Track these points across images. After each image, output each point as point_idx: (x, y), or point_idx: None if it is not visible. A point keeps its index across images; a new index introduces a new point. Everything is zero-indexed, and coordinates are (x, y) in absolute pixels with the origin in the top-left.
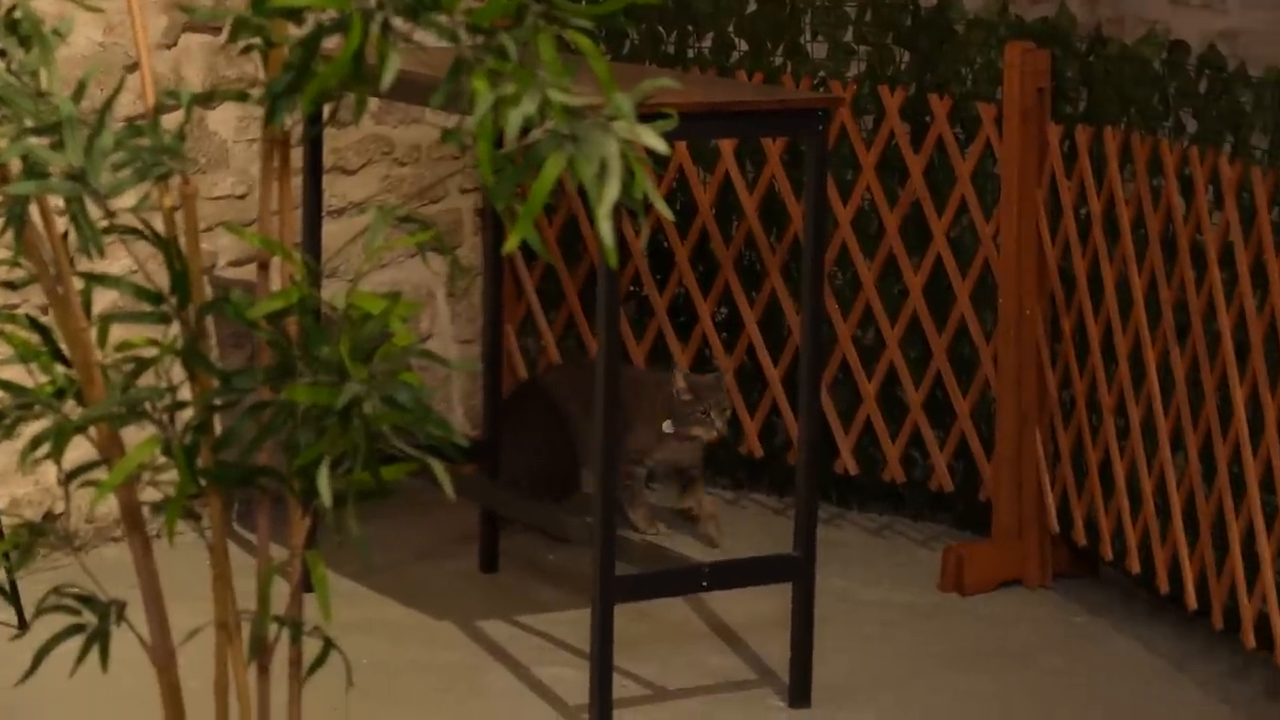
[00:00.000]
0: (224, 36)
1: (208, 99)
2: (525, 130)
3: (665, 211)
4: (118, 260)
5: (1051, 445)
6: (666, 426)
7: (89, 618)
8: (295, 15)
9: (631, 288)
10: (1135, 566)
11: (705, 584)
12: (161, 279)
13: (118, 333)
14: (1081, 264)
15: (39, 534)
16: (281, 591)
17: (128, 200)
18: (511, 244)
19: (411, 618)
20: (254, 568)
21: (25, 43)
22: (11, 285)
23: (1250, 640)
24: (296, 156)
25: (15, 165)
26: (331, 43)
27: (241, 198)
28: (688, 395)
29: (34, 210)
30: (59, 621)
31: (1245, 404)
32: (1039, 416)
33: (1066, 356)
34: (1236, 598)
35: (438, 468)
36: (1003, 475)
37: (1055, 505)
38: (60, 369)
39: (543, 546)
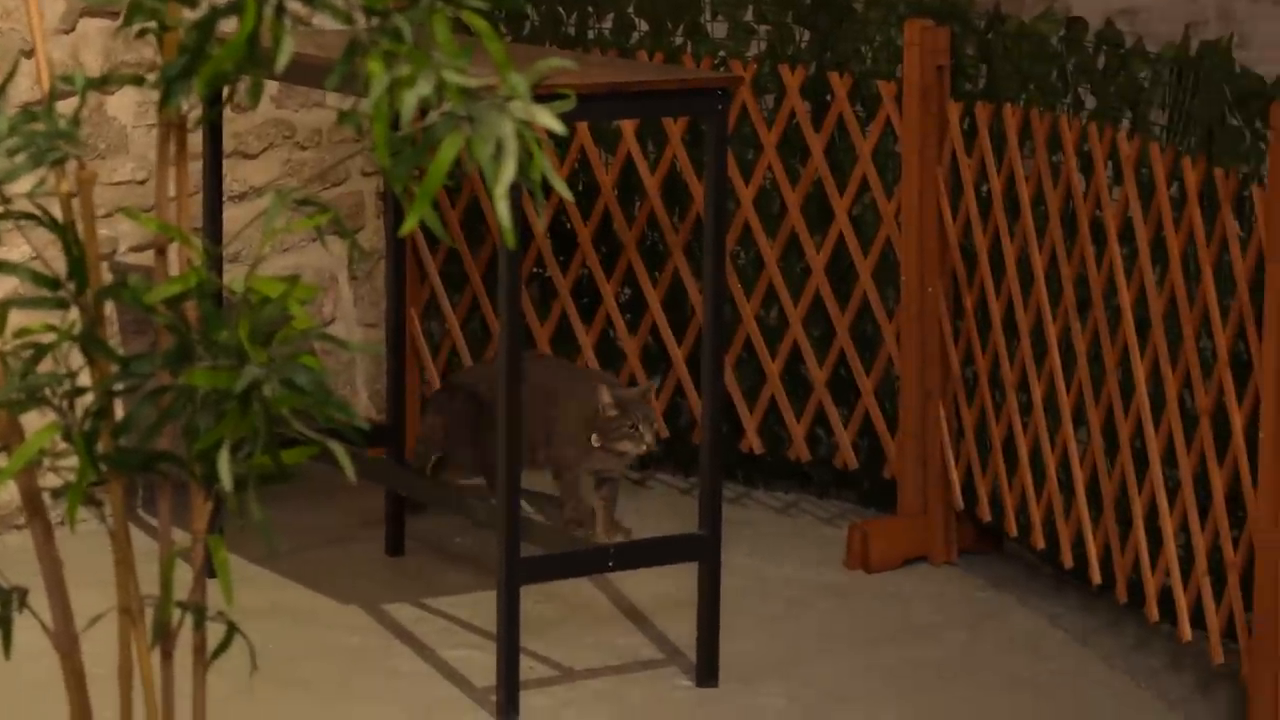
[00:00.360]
0: (120, 21)
1: (103, 83)
2: (422, 112)
3: (565, 192)
4: (16, 247)
5: (955, 422)
6: (594, 440)
7: None
8: None
9: (535, 270)
10: (1039, 542)
11: (611, 564)
12: (60, 265)
13: (16, 319)
14: (983, 241)
15: None
16: (184, 577)
17: (24, 186)
18: (409, 225)
19: (317, 602)
20: (157, 553)
21: None
22: None
23: (1154, 613)
24: (195, 141)
25: None
26: (228, 26)
27: (142, 183)
28: (614, 410)
29: None
30: None
31: (1146, 379)
32: (942, 393)
33: (969, 333)
34: (1140, 572)
35: (339, 450)
36: (907, 452)
37: (959, 482)
38: None
39: (449, 530)
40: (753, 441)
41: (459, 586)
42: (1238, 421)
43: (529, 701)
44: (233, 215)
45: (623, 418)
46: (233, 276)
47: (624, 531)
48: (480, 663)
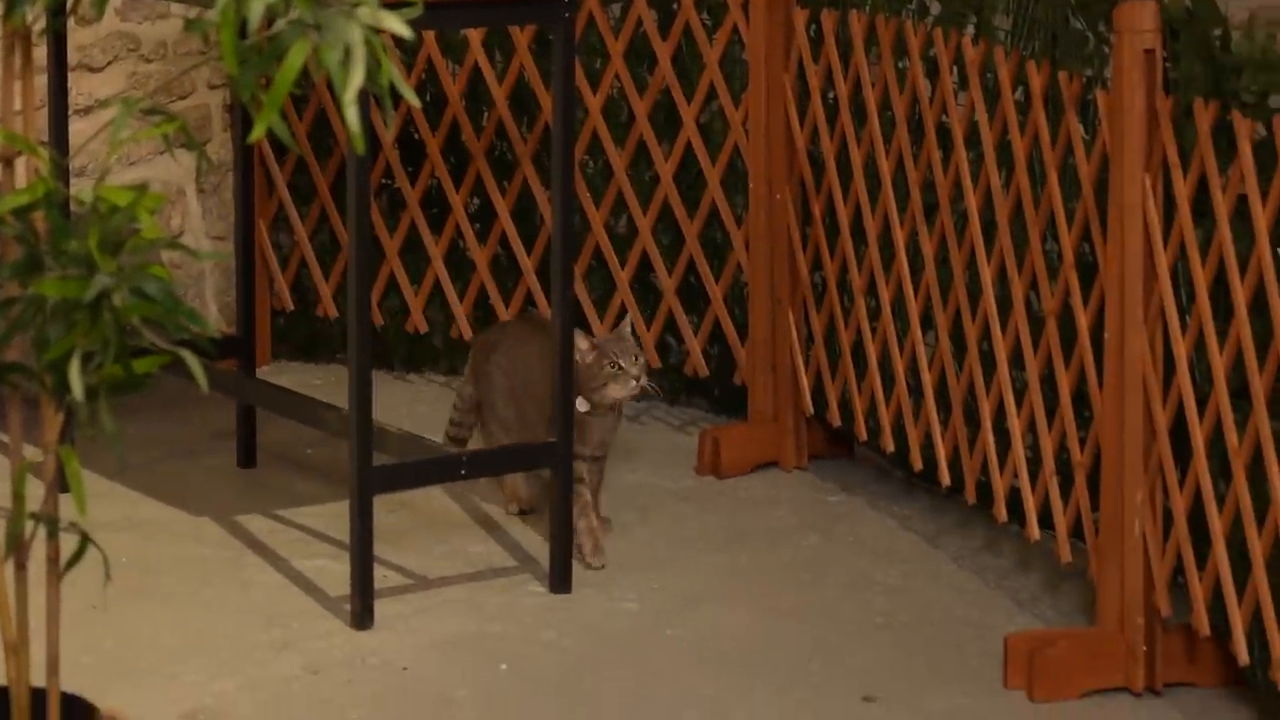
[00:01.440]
0: None
1: None
2: (269, 20)
3: (413, 99)
4: None
5: (804, 328)
6: (580, 405)
7: None
8: None
9: (383, 180)
10: (889, 446)
11: (464, 472)
12: None
13: None
14: (830, 147)
15: None
16: (36, 490)
17: None
18: (257, 132)
19: (169, 514)
20: (6, 467)
21: None
22: None
23: (1002, 514)
24: (40, 55)
25: None
26: None
27: None
28: (591, 354)
29: None
30: None
31: (993, 282)
32: (791, 300)
33: (817, 240)
34: (988, 473)
35: (190, 359)
36: (757, 359)
37: (809, 387)
38: None
39: (301, 441)
40: None
41: (312, 497)
42: (1083, 323)
43: (384, 609)
44: (79, 129)
45: (600, 359)
46: (80, 188)
47: (605, 523)
48: (334, 572)
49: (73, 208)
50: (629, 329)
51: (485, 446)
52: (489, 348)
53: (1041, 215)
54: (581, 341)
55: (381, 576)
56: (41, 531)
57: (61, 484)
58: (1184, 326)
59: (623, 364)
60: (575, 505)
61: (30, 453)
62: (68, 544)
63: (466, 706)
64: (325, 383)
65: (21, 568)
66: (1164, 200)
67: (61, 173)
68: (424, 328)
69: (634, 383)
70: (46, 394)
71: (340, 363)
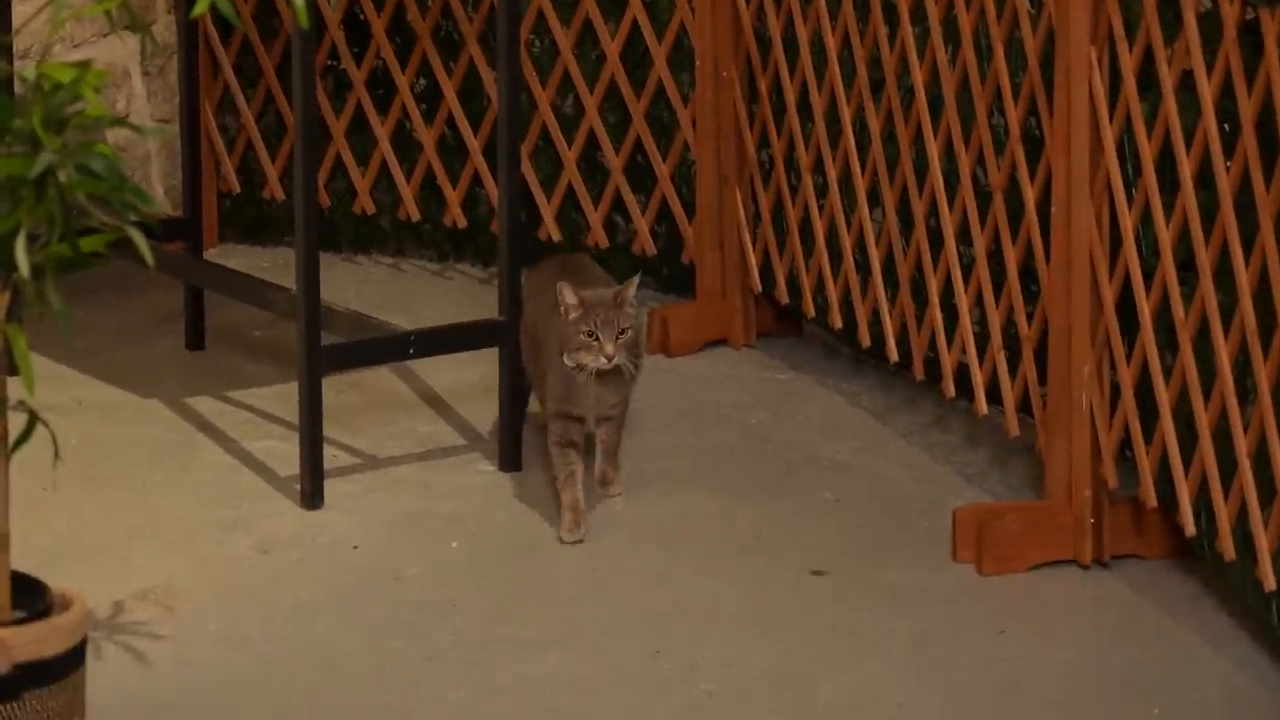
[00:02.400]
0: None
1: None
2: None
3: None
4: None
5: (752, 206)
6: (566, 359)
7: None
8: None
9: (329, 62)
10: (837, 323)
11: (412, 351)
12: None
13: None
14: (776, 24)
15: None
16: None
17: None
18: (200, 7)
19: (119, 397)
20: None
21: None
22: None
23: (950, 390)
24: None
25: None
26: None
27: None
28: (575, 313)
29: None
30: None
31: (940, 157)
32: (738, 178)
33: (764, 117)
34: (936, 349)
35: (137, 236)
36: (704, 237)
37: (757, 265)
38: None
39: (249, 323)
40: (551, 230)
41: (260, 379)
42: (1030, 197)
43: (333, 489)
44: (21, 12)
45: (582, 320)
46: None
47: (617, 484)
48: (284, 453)
49: (16, 88)
50: (631, 292)
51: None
52: (526, 295)
53: (988, 90)
54: (570, 296)
55: (331, 456)
56: None
57: (10, 367)
58: (1130, 200)
59: (600, 337)
60: (560, 471)
61: None
62: (16, 424)
63: (417, 584)
64: (273, 265)
65: None
66: (1109, 74)
67: (4, 51)
68: (371, 209)
69: (604, 360)
70: None
71: (288, 245)
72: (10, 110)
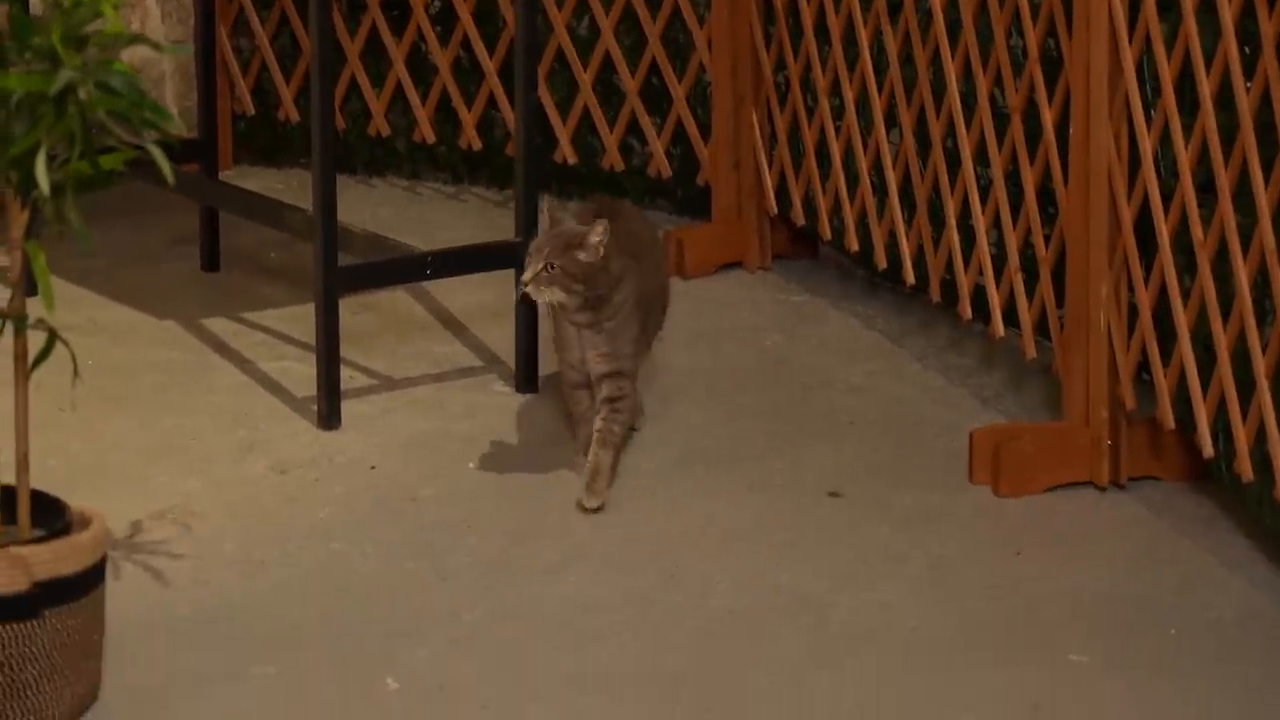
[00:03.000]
0: None
1: None
2: None
3: None
4: None
5: (768, 128)
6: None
7: None
8: None
9: None
10: (853, 245)
11: (429, 272)
12: None
13: None
14: None
15: None
16: (2, 294)
17: None
18: None
19: (134, 318)
20: None
21: None
22: None
23: (967, 312)
24: None
25: None
26: None
27: None
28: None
29: None
30: None
31: (958, 79)
32: (754, 99)
33: (780, 38)
34: (953, 271)
35: (157, 153)
36: (720, 159)
37: (773, 187)
38: None
39: (264, 245)
40: (566, 152)
41: (275, 300)
42: (1049, 119)
43: (350, 410)
44: None
45: (536, 252)
46: None
47: (591, 497)
48: (300, 374)
49: (35, 6)
50: (593, 238)
51: None
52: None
53: (1006, 11)
54: (543, 219)
55: (347, 377)
56: (9, 330)
57: (27, 285)
58: (1149, 121)
59: (528, 263)
60: (572, 410)
61: None
62: (34, 343)
63: (433, 505)
64: (288, 187)
65: None
66: None
67: None
68: (386, 131)
69: (523, 289)
70: (11, 190)
71: (302, 167)
72: (30, 27)
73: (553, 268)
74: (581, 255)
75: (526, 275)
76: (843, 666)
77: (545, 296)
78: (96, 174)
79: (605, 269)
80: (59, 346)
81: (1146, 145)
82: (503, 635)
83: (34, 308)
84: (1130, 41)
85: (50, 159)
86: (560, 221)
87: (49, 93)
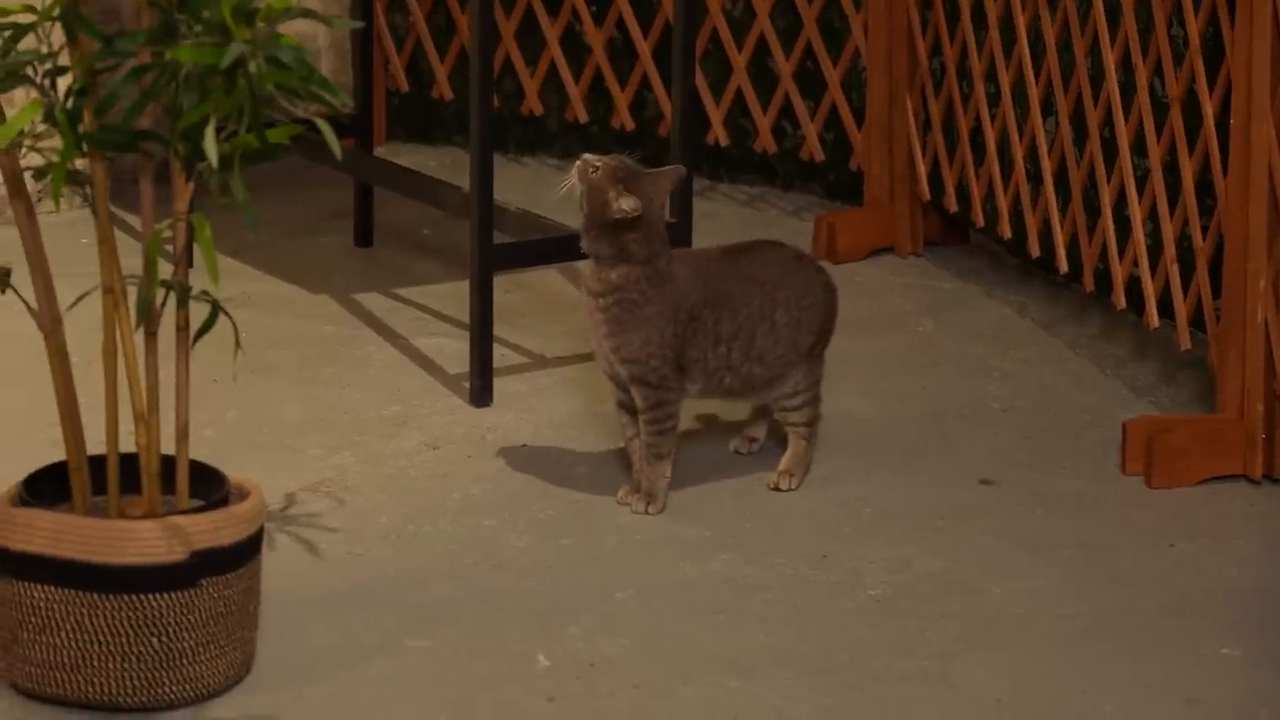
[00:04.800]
0: None
1: None
2: None
3: None
4: None
5: (922, 113)
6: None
7: None
8: None
9: None
10: (1006, 232)
11: (582, 251)
12: None
13: None
14: None
15: None
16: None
17: None
18: None
19: (289, 291)
20: (136, 250)
21: None
22: None
23: (1121, 302)
24: None
25: None
26: None
27: None
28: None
29: None
30: None
31: (1116, 67)
32: (909, 84)
33: (937, 23)
34: (1107, 261)
35: (325, 128)
36: (874, 144)
37: (926, 173)
38: None
39: (417, 222)
40: (719, 134)
41: (429, 277)
42: (1209, 109)
43: (502, 387)
44: None
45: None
46: None
47: (639, 501)
48: (452, 351)
49: None
50: (667, 183)
51: None
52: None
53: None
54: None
55: (499, 355)
56: (172, 301)
57: (189, 258)
58: None
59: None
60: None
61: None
62: (196, 315)
63: (584, 483)
64: (440, 164)
65: (152, 335)
66: None
67: None
68: (539, 110)
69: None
70: (178, 162)
71: (455, 145)
72: (200, 1)
73: (596, 170)
74: (625, 199)
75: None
76: (991, 652)
77: (576, 177)
78: (262, 147)
79: (650, 226)
80: (220, 318)
81: None
82: (654, 614)
83: (194, 280)
84: None
85: (217, 131)
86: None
87: (219, 66)
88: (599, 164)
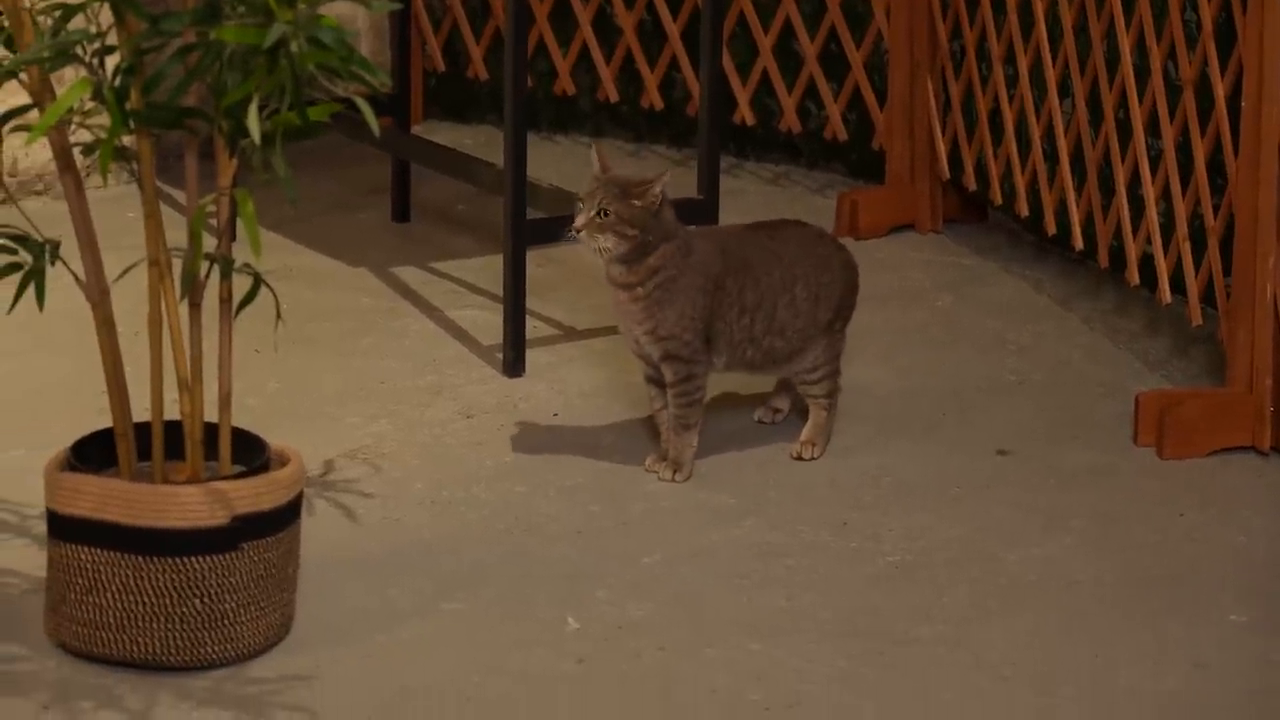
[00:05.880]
0: None
1: None
2: None
3: None
4: None
5: (942, 94)
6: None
7: (24, 257)
8: None
9: None
10: (1023, 210)
11: None
12: None
13: None
14: None
15: None
16: (208, 241)
17: None
18: None
19: (327, 264)
20: (180, 224)
21: None
22: None
23: (1134, 278)
24: None
25: None
26: None
27: None
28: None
29: None
30: None
31: (1131, 50)
32: (930, 66)
33: (957, 7)
34: (1121, 238)
35: (364, 106)
36: (895, 124)
37: (946, 152)
38: None
39: (452, 198)
40: (745, 114)
41: (463, 251)
42: (1220, 91)
43: (533, 358)
44: None
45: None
46: None
47: (665, 469)
48: (486, 322)
49: None
50: (655, 189)
51: None
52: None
53: None
54: (595, 163)
55: (531, 327)
56: (215, 273)
57: (231, 231)
58: None
59: (581, 206)
60: (670, 419)
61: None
62: (239, 287)
63: (614, 452)
64: (475, 143)
65: (195, 307)
66: None
67: None
68: (571, 90)
69: (571, 230)
70: (221, 139)
71: (490, 124)
72: None
73: (606, 214)
74: (638, 205)
75: (579, 220)
76: (1006, 618)
77: (598, 243)
78: (303, 124)
79: (658, 222)
80: (262, 290)
81: None
82: (680, 579)
83: (237, 253)
84: None
85: (260, 109)
86: (610, 169)
87: (262, 46)
88: (594, 220)
